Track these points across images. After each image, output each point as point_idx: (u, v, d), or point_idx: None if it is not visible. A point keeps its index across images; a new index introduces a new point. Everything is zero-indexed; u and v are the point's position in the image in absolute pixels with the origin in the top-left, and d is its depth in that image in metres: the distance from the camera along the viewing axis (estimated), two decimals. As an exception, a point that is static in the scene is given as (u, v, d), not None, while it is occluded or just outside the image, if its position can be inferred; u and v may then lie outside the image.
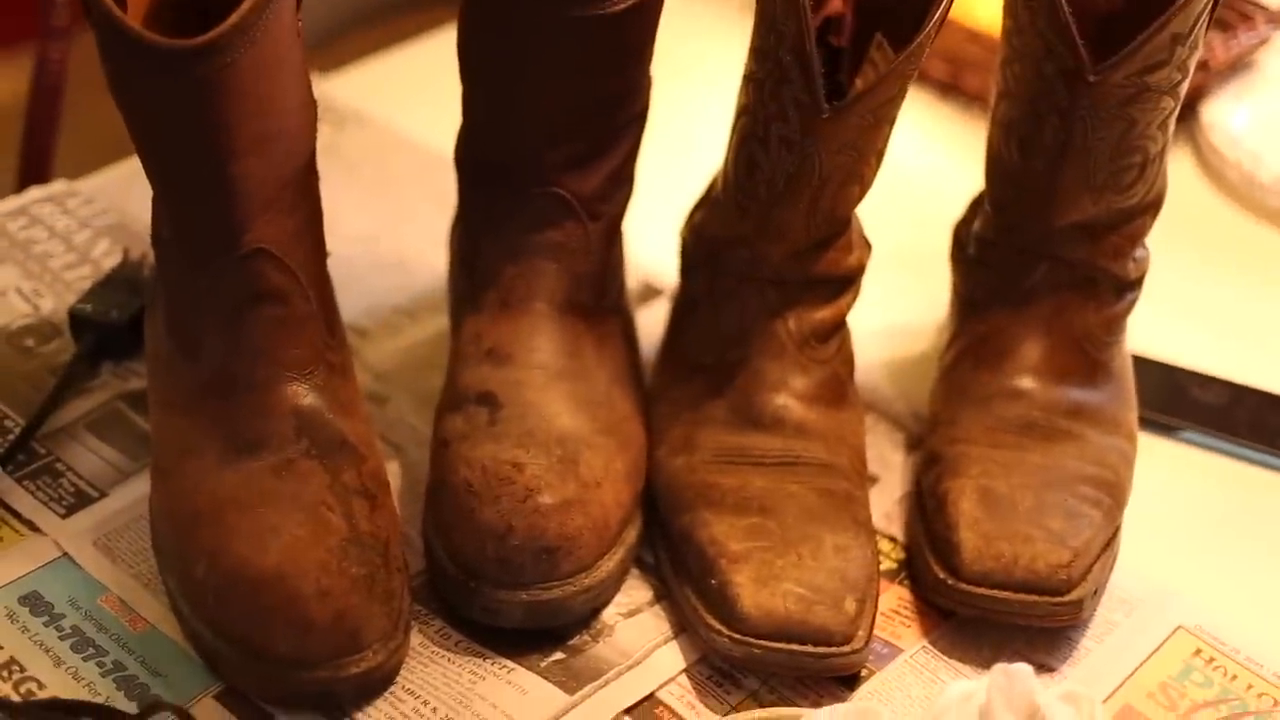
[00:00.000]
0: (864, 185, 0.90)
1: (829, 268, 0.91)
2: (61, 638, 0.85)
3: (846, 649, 0.84)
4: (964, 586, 0.87)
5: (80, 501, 0.92)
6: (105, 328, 0.99)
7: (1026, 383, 0.94)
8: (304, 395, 0.86)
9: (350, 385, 0.89)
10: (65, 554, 0.89)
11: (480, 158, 0.93)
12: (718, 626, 0.84)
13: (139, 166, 0.85)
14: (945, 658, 0.88)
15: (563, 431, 0.88)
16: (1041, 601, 0.86)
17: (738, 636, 0.83)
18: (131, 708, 0.81)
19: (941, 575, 0.88)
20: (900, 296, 1.07)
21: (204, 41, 0.77)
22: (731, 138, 0.91)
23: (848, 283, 0.93)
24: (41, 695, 0.82)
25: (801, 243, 0.89)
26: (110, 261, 1.05)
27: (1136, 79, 0.88)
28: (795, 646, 0.83)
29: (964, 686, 0.79)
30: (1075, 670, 0.88)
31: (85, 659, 0.84)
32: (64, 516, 0.91)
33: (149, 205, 0.88)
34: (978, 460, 0.91)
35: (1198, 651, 0.89)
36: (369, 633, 0.81)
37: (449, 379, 0.92)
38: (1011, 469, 0.90)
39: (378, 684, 0.82)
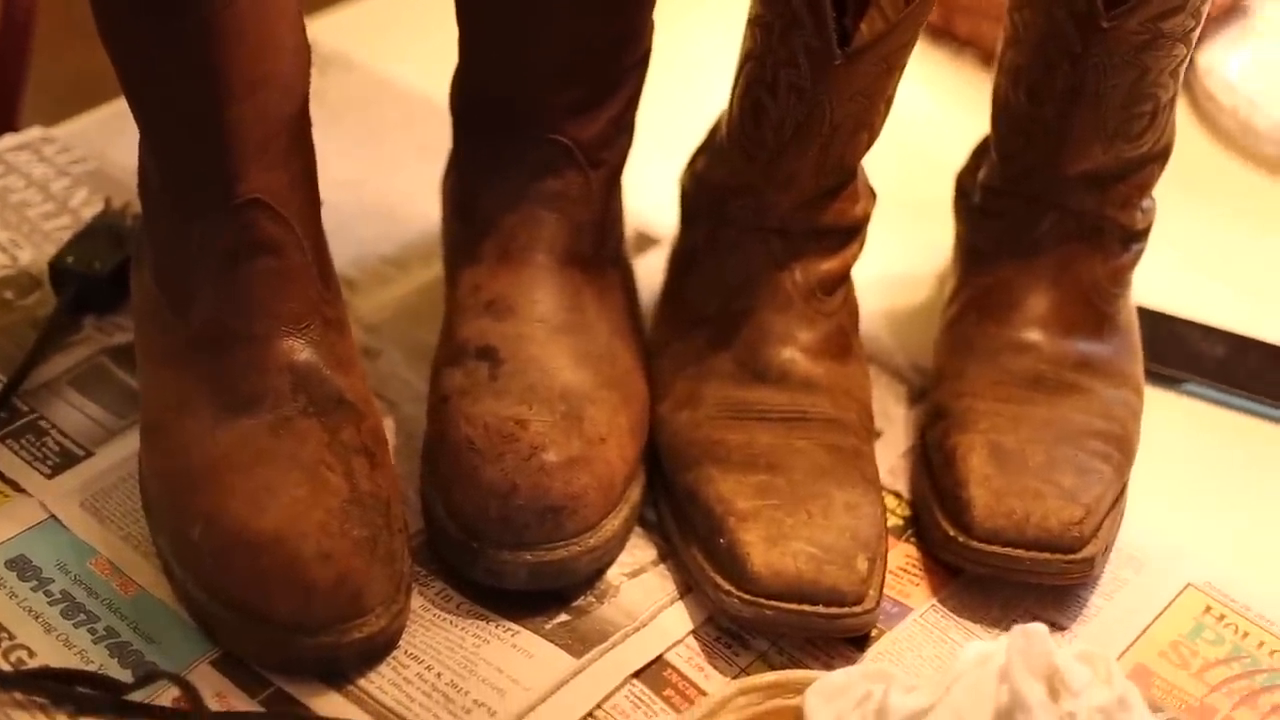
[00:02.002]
0: (873, 133, 0.87)
1: (836, 218, 0.89)
2: (51, 603, 0.82)
3: (858, 609, 0.82)
4: (975, 544, 0.85)
5: (66, 461, 0.89)
6: (87, 280, 0.96)
7: (1033, 335, 0.92)
8: (300, 350, 0.83)
9: (346, 340, 0.86)
10: (52, 515, 0.86)
11: (479, 104, 0.90)
12: (727, 587, 0.82)
13: (117, 112, 0.83)
14: (956, 616, 0.86)
15: (566, 387, 0.85)
16: (1054, 559, 0.85)
17: (748, 597, 0.82)
18: (126, 675, 0.79)
19: (952, 532, 0.86)
20: (895, 245, 1.05)
21: (203, -17, 0.75)
22: (736, 83, 0.88)
23: (854, 233, 0.91)
24: (32, 664, 0.79)
25: (810, 191, 0.87)
26: (90, 211, 1.02)
27: (1151, 25, 0.86)
28: (806, 607, 0.81)
29: (980, 648, 0.78)
30: (1086, 629, 0.87)
31: (76, 625, 0.81)
32: (49, 476, 0.88)
33: (129, 152, 0.85)
34: (985, 414, 0.89)
35: (1208, 609, 0.88)
36: (371, 596, 0.79)
37: (446, 331, 0.89)
38: (1020, 423, 0.88)
39: (380, 649, 0.80)
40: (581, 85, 0.88)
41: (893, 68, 0.84)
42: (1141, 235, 0.95)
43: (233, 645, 0.80)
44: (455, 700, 0.79)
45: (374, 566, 0.79)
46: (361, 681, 0.80)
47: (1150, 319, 1.00)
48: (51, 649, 0.80)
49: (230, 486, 0.80)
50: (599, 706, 0.80)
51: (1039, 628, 0.78)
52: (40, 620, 0.81)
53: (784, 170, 0.86)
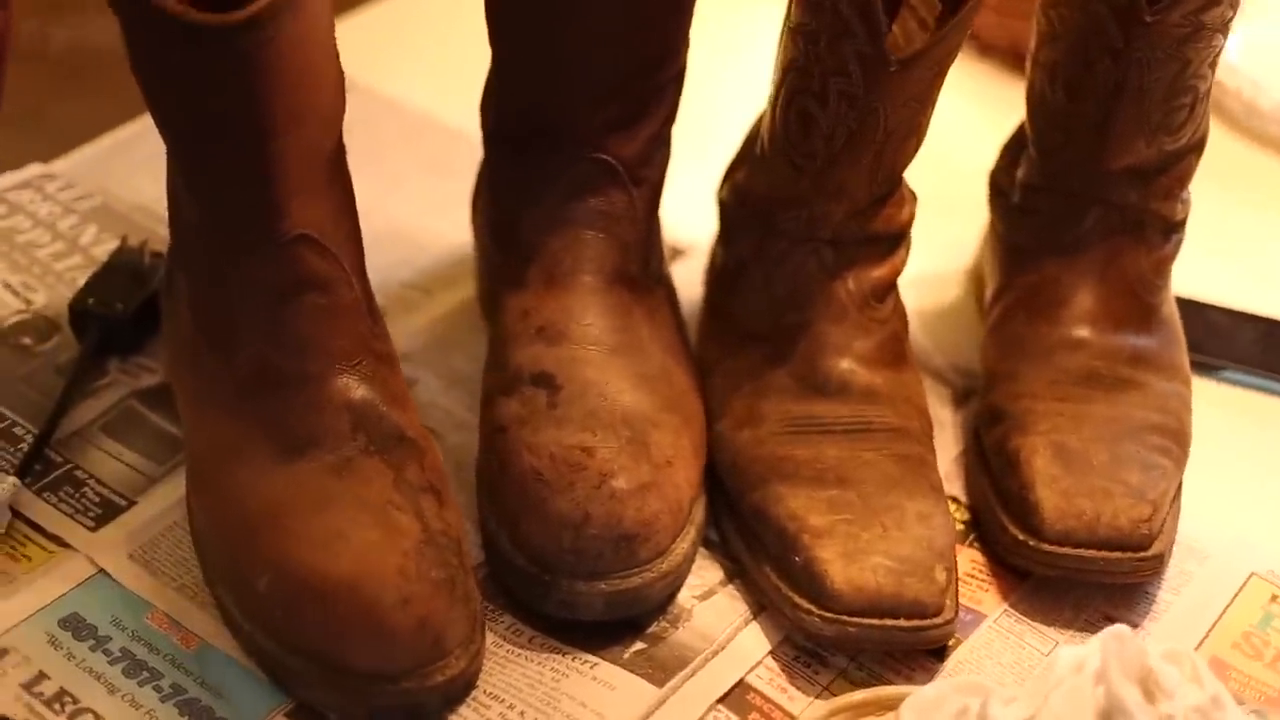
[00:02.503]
0: (920, 137, 0.86)
1: (885, 224, 0.88)
2: (111, 662, 0.79)
3: (940, 620, 0.81)
4: (1047, 547, 0.85)
5: (109, 512, 0.86)
6: (110, 322, 0.93)
7: (1084, 332, 0.91)
8: (355, 388, 0.81)
9: (397, 375, 0.84)
10: (101, 570, 0.83)
11: (516, 124, 0.88)
12: (807, 606, 0.81)
13: (117, 142, 0.80)
14: (1029, 621, 0.86)
15: (627, 410, 0.84)
16: (1126, 558, 0.84)
17: (830, 615, 0.80)
18: (199, 733, 0.77)
19: (1021, 536, 0.85)
20: (920, 246, 1.04)
21: (249, 15, 0.72)
22: (777, 93, 0.87)
23: (901, 238, 0.89)
24: (101, 726, 0.77)
25: (862, 201, 0.86)
26: (100, 249, 0.99)
27: (1192, 17, 0.86)
28: (889, 621, 0.80)
29: (1073, 654, 0.77)
30: (1157, 626, 0.86)
31: (140, 684, 0.79)
32: (93, 529, 0.85)
33: (132, 185, 0.83)
34: (1045, 415, 0.88)
35: (1274, 598, 0.88)
36: (451, 638, 0.77)
37: (496, 359, 0.87)
38: (1081, 422, 0.88)
39: (461, 690, 0.78)
40: (622, 102, 0.86)
41: (943, 71, 0.83)
42: (1181, 226, 0.94)
43: (309, 696, 0.77)
44: (543, 739, 0.78)
45: (453, 608, 0.77)
46: (444, 725, 0.78)
47: (1184, 307, 1.00)
48: (118, 711, 0.77)
49: (297, 533, 0.77)
50: (689, 736, 0.79)
51: (1129, 630, 0.78)
52: (103, 681, 0.78)
53: (836, 180, 0.85)
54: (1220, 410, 0.98)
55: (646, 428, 0.83)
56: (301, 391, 0.80)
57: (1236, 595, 0.88)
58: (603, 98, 0.85)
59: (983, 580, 0.87)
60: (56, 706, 0.77)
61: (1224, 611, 0.87)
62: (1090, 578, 0.85)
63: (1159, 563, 0.85)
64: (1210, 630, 0.86)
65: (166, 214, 0.84)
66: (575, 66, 0.85)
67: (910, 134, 0.85)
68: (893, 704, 0.78)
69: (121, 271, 0.95)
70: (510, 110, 0.88)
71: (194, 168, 0.79)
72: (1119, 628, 0.77)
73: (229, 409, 0.82)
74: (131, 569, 0.83)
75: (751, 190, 0.90)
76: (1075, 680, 0.76)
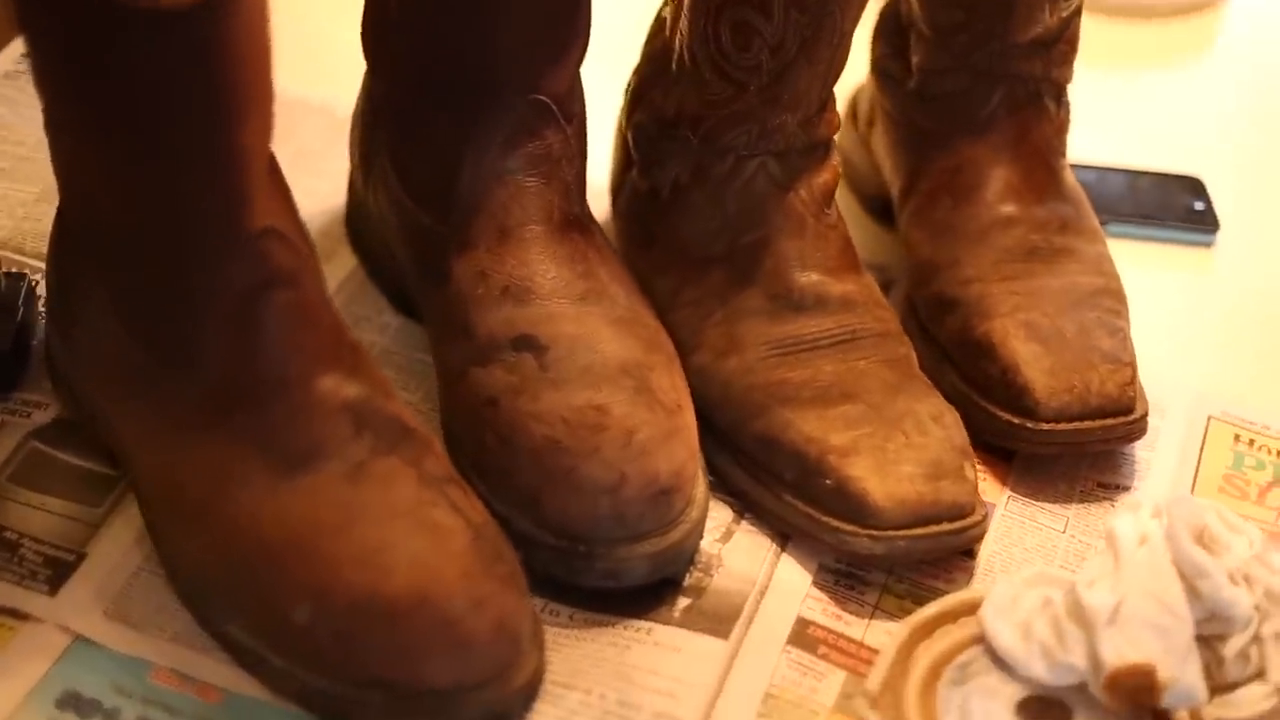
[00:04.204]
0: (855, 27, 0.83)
1: (828, 128, 0.85)
2: (131, 736, 0.70)
3: (978, 517, 0.79)
4: (1045, 426, 0.84)
5: (60, 570, 0.75)
6: (-12, 360, 0.81)
7: (1012, 208, 0.91)
8: (345, 385, 0.73)
9: (375, 365, 0.76)
10: (78, 636, 0.73)
11: (448, 76, 0.80)
12: (849, 528, 0.78)
13: None
14: (1034, 501, 0.85)
15: (622, 360, 0.78)
16: (1119, 423, 0.85)
17: (877, 533, 0.78)
18: (261, 792, 0.69)
19: (1015, 420, 0.85)
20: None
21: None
22: (694, 7, 0.82)
23: (832, 140, 0.87)
24: (149, 810, 0.68)
25: (814, 106, 0.82)
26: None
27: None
28: (933, 529, 0.78)
29: (1130, 528, 0.76)
30: (1146, 484, 0.87)
31: (175, 752, 0.70)
32: (50, 593, 0.74)
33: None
34: (1001, 296, 0.87)
35: (1237, 438, 0.90)
36: (524, 634, 0.71)
37: (454, 329, 0.80)
38: (1039, 298, 0.87)
39: (537, 686, 0.72)
40: (551, 31, 0.80)
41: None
42: (1065, 89, 0.95)
43: (376, 727, 0.70)
44: (633, 717, 0.72)
45: (521, 602, 0.71)
46: (526, 727, 0.72)
47: (1056, 170, 1.01)
48: (163, 788, 0.69)
49: (333, 554, 0.69)
50: (773, 684, 0.75)
51: (1186, 494, 0.79)
52: (132, 759, 0.69)
53: (791, 90, 0.81)
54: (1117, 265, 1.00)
55: (645, 373, 0.79)
56: (288, 398, 0.72)
57: (1204, 442, 0.90)
58: (534, 30, 0.79)
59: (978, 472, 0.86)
60: (92, 799, 0.68)
61: (1200, 459, 0.89)
62: (1088, 449, 0.85)
63: (1144, 422, 0.86)
64: (1195, 480, 0.88)
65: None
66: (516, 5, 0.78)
67: (855, 27, 0.82)
68: (963, 611, 0.77)
69: (-11, 303, 0.83)
70: (443, 63, 0.81)
71: (144, 171, 0.69)
72: (1180, 494, 0.78)
73: (201, 431, 0.72)
74: (112, 629, 0.74)
75: (681, 111, 0.85)
76: (1144, 552, 0.76)
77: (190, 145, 0.68)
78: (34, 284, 0.86)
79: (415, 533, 0.70)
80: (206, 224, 0.70)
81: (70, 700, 0.71)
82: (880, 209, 1.00)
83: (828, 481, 0.79)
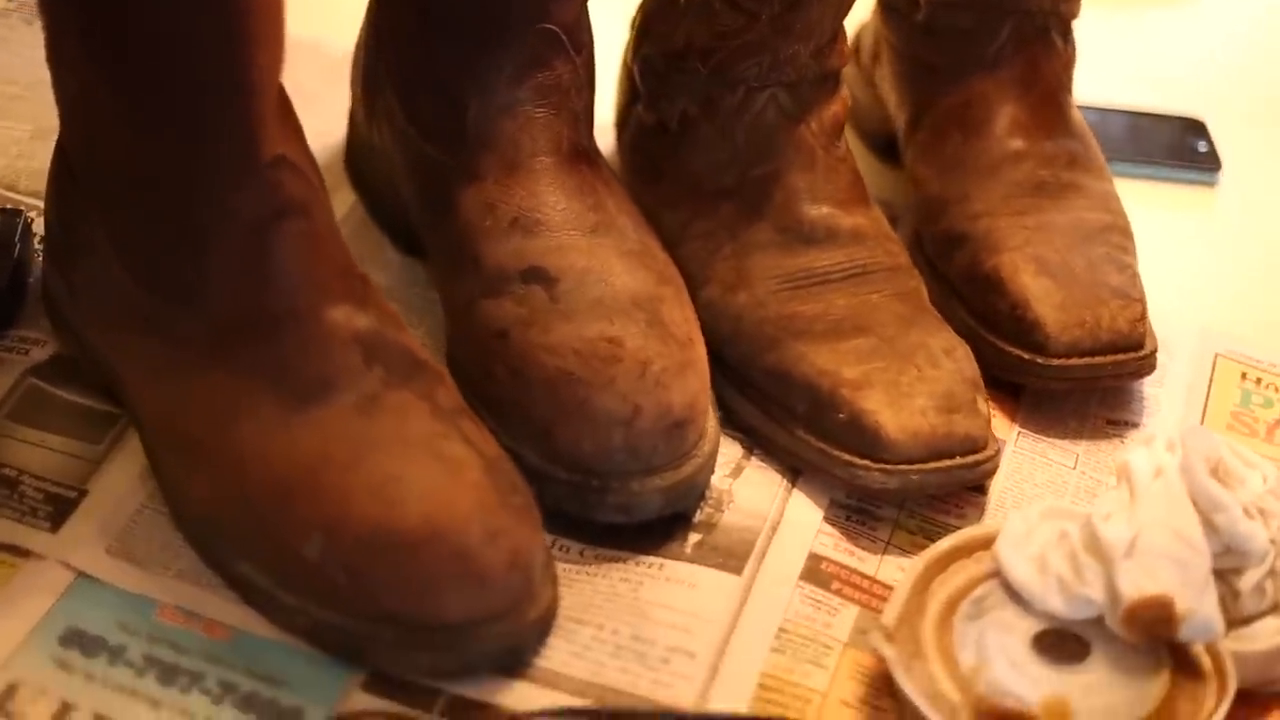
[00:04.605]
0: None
1: (839, 59, 0.83)
2: (139, 673, 0.68)
3: (991, 451, 0.79)
4: (1056, 362, 0.83)
5: (61, 507, 0.74)
6: (-17, 298, 0.80)
7: (1021, 143, 0.90)
8: (356, 317, 0.72)
9: (382, 297, 0.75)
10: (80, 573, 0.72)
11: (453, 7, 0.78)
12: (862, 462, 0.77)
13: None
14: (1043, 437, 0.85)
15: (633, 292, 0.77)
16: (1130, 359, 0.84)
17: (890, 467, 0.77)
18: (277, 729, 0.67)
19: (1026, 355, 0.84)
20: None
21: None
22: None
23: (841, 70, 0.86)
24: (161, 748, 0.67)
25: (826, 35, 0.81)
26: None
27: None
28: (947, 462, 0.77)
29: (1145, 461, 0.76)
30: (1154, 421, 0.87)
31: (183, 690, 0.68)
32: (52, 530, 0.73)
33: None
34: (1011, 231, 0.87)
35: (1244, 375, 0.90)
36: (538, 567, 0.70)
37: (462, 262, 0.78)
38: (1048, 233, 0.87)
39: (551, 620, 0.71)
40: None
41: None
42: (1072, 26, 0.94)
43: (388, 663, 0.69)
44: (648, 653, 0.71)
45: (535, 534, 0.70)
46: (541, 662, 0.70)
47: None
48: (173, 725, 0.67)
49: (344, 487, 0.68)
50: (786, 619, 0.74)
51: (1202, 427, 0.78)
52: (139, 696, 0.68)
53: (803, 19, 0.80)
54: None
55: (656, 306, 0.77)
56: (298, 330, 0.71)
57: (1211, 379, 0.89)
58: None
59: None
60: (101, 737, 0.66)
61: (1208, 396, 0.88)
62: (1099, 384, 0.85)
63: (1154, 358, 0.85)
64: (1203, 417, 0.87)
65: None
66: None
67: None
68: (977, 546, 0.76)
69: (-18, 238, 0.82)
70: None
71: (154, 101, 0.68)
72: (1196, 427, 0.78)
73: (207, 366, 0.71)
74: (115, 565, 0.72)
75: (690, 43, 0.83)
76: (1160, 485, 0.75)
77: (203, 73, 0.67)
78: (29, 221, 0.85)
79: (428, 465, 0.69)
80: (217, 153, 0.69)
81: (74, 637, 0.69)
82: (883, 146, 0.99)
83: (840, 415, 0.78)
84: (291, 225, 0.70)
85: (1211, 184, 1.03)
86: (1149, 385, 0.88)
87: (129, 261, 0.72)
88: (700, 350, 0.78)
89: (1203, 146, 1.04)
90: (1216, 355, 0.90)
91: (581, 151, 0.81)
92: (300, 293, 0.71)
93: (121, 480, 0.75)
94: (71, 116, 0.73)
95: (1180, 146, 1.03)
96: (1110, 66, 1.09)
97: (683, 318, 0.78)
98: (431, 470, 0.69)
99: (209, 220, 0.70)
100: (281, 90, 0.72)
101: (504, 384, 0.76)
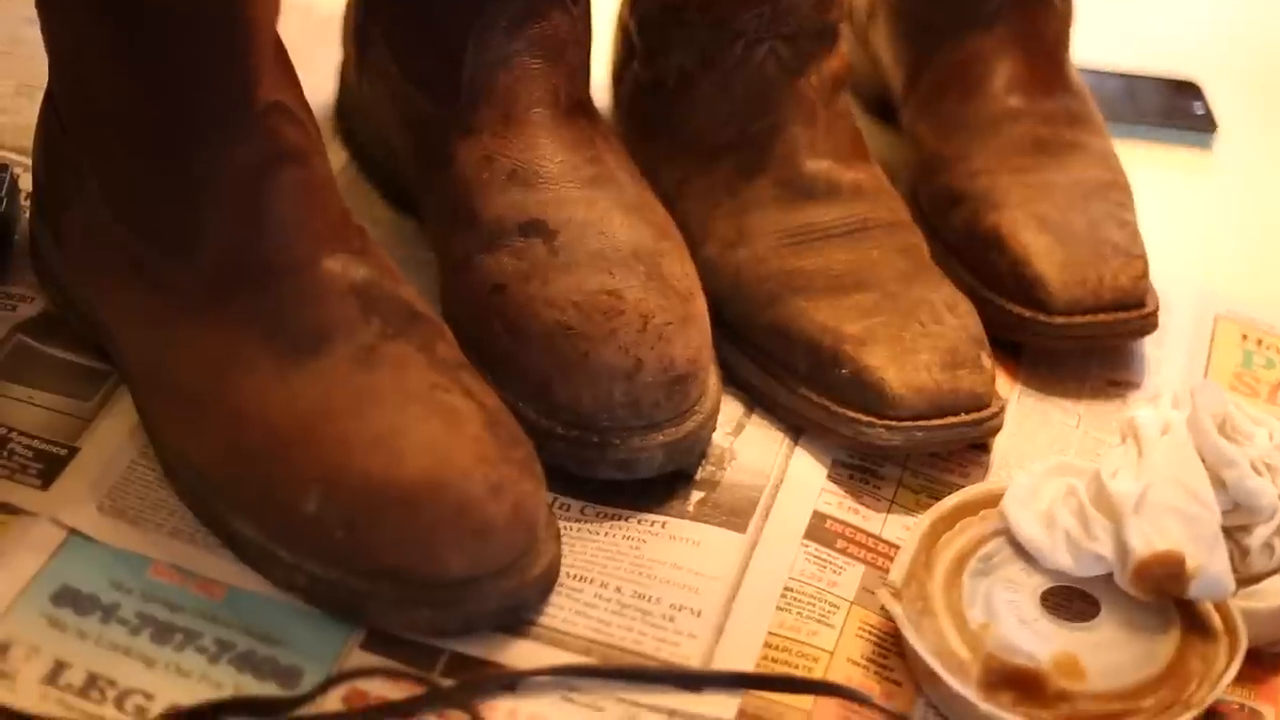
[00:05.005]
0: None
1: (839, 10, 0.82)
2: (132, 632, 0.67)
3: (996, 408, 0.78)
4: (1059, 320, 0.82)
5: (52, 464, 0.72)
6: (-32, 252, 0.78)
7: (1020, 101, 0.89)
8: (353, 268, 0.70)
9: (380, 248, 0.73)
10: (72, 530, 0.70)
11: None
12: (866, 419, 0.76)
13: None
14: (1046, 396, 0.84)
15: (634, 246, 0.76)
16: (1133, 316, 0.83)
17: (894, 423, 0.76)
18: (271, 688, 0.66)
19: (1028, 313, 0.83)
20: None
21: None
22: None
23: (840, 26, 0.84)
24: (156, 708, 0.64)
25: (827, -14, 0.80)
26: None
27: None
28: (951, 419, 0.76)
29: (1152, 419, 0.75)
30: (1155, 380, 0.86)
31: (178, 649, 0.67)
32: (43, 487, 0.71)
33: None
34: (1010, 189, 0.86)
35: (1245, 336, 0.89)
36: (540, 522, 0.69)
37: (458, 216, 0.77)
38: (1048, 190, 0.86)
39: (554, 578, 0.70)
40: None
41: None
42: (1069, -17, 0.93)
43: (388, 620, 0.67)
44: (652, 611, 0.70)
45: (539, 489, 0.68)
46: (544, 620, 0.69)
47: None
48: (168, 684, 0.65)
49: (343, 440, 0.67)
50: (791, 578, 0.73)
51: (1212, 382, 0.77)
52: (133, 655, 0.66)
53: (806, -33, 0.79)
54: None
55: (656, 260, 0.76)
56: (295, 281, 0.69)
57: (1212, 340, 0.89)
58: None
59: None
60: (95, 695, 0.64)
61: (1209, 357, 0.88)
62: (1100, 342, 0.84)
63: (1156, 317, 0.84)
64: (1206, 377, 0.86)
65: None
66: None
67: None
68: (984, 503, 0.75)
69: (-37, 192, 0.80)
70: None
71: (149, 44, 0.66)
72: (1206, 382, 0.77)
73: (201, 318, 0.69)
74: (108, 523, 0.71)
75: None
76: (1168, 442, 0.75)
77: (198, 13, 0.65)
78: (15, 176, 0.83)
79: (429, 416, 0.67)
80: (213, 98, 0.67)
81: (67, 595, 0.68)
82: (878, 109, 0.98)
83: (843, 371, 0.77)
84: (288, 173, 0.69)
85: (1208, 146, 1.02)
86: (1150, 346, 0.87)
87: (121, 211, 0.71)
88: (701, 305, 0.77)
89: (1199, 108, 1.03)
90: (1217, 316, 0.90)
91: (578, 105, 0.80)
92: (297, 242, 0.69)
93: (112, 437, 0.74)
94: (61, 64, 0.71)
95: (1176, 109, 1.03)
96: (1106, 28, 1.08)
97: (683, 272, 0.77)
98: (431, 422, 0.67)
99: (204, 166, 0.68)
100: (278, 39, 0.71)
101: (501, 339, 0.75)
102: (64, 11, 0.68)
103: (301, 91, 0.72)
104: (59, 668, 0.65)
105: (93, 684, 0.65)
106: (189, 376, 0.70)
